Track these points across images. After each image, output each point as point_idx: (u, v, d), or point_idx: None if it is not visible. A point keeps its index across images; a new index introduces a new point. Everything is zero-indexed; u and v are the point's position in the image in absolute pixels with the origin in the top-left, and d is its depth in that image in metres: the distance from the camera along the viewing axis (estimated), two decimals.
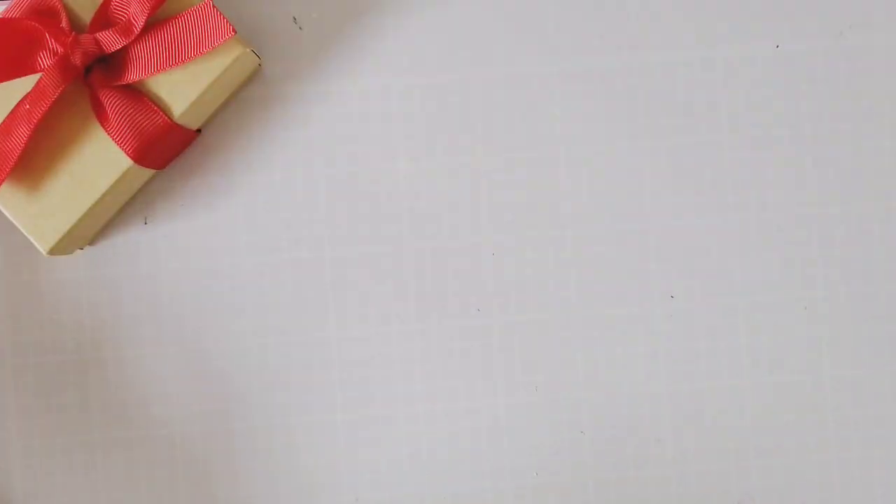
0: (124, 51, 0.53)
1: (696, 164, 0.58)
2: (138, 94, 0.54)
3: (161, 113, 0.54)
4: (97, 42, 0.53)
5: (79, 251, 0.58)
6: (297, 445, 0.58)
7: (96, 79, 0.53)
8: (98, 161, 0.54)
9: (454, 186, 0.58)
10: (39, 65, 0.53)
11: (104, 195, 0.54)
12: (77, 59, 0.52)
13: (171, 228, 0.58)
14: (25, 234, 0.54)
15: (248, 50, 0.54)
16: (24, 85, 0.54)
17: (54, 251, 0.55)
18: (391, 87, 0.58)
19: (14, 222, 0.54)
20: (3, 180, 0.53)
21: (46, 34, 0.52)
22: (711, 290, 0.58)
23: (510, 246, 0.58)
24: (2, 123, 0.53)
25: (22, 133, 0.53)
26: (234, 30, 0.53)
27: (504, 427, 0.58)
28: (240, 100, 0.58)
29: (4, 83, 0.54)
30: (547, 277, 0.58)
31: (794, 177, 0.58)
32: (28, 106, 0.53)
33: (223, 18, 0.53)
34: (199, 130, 0.58)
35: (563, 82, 0.58)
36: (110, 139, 0.54)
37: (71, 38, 0.52)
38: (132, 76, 0.53)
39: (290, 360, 0.58)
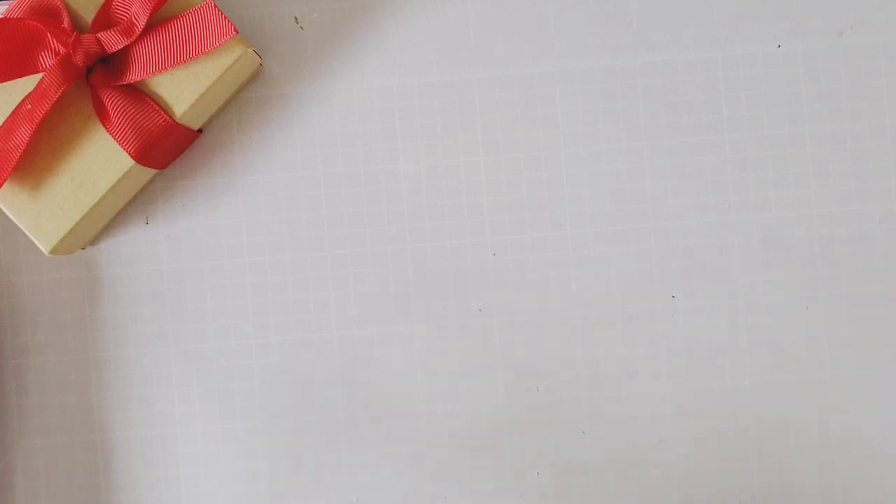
0: (126, 50, 0.53)
1: (696, 164, 0.58)
2: (140, 94, 0.54)
3: (163, 113, 0.54)
4: (99, 42, 0.53)
5: (80, 251, 0.58)
6: (298, 445, 0.58)
7: (98, 79, 0.53)
8: (100, 161, 0.54)
9: (454, 186, 0.58)
10: (41, 65, 0.53)
11: (106, 195, 0.54)
12: (79, 59, 0.52)
13: (172, 228, 0.58)
14: (27, 233, 0.54)
15: (249, 50, 0.55)
16: (25, 85, 0.54)
17: (56, 251, 0.55)
18: (391, 87, 0.58)
19: (15, 222, 0.54)
20: (4, 180, 0.53)
21: (48, 34, 0.53)
22: (712, 290, 0.58)
23: (510, 246, 0.58)
24: (4, 123, 0.54)
25: (24, 133, 0.53)
26: (235, 30, 0.53)
27: (504, 427, 0.58)
28: (241, 100, 0.59)
29: (6, 83, 0.54)
30: (547, 277, 0.58)
31: (794, 177, 0.58)
32: (30, 106, 0.53)
33: (225, 18, 0.53)
34: (200, 130, 0.58)
35: (563, 82, 0.58)
36: (112, 139, 0.54)
37: (73, 38, 0.52)
38: (134, 76, 0.53)
39: (291, 359, 0.58)
